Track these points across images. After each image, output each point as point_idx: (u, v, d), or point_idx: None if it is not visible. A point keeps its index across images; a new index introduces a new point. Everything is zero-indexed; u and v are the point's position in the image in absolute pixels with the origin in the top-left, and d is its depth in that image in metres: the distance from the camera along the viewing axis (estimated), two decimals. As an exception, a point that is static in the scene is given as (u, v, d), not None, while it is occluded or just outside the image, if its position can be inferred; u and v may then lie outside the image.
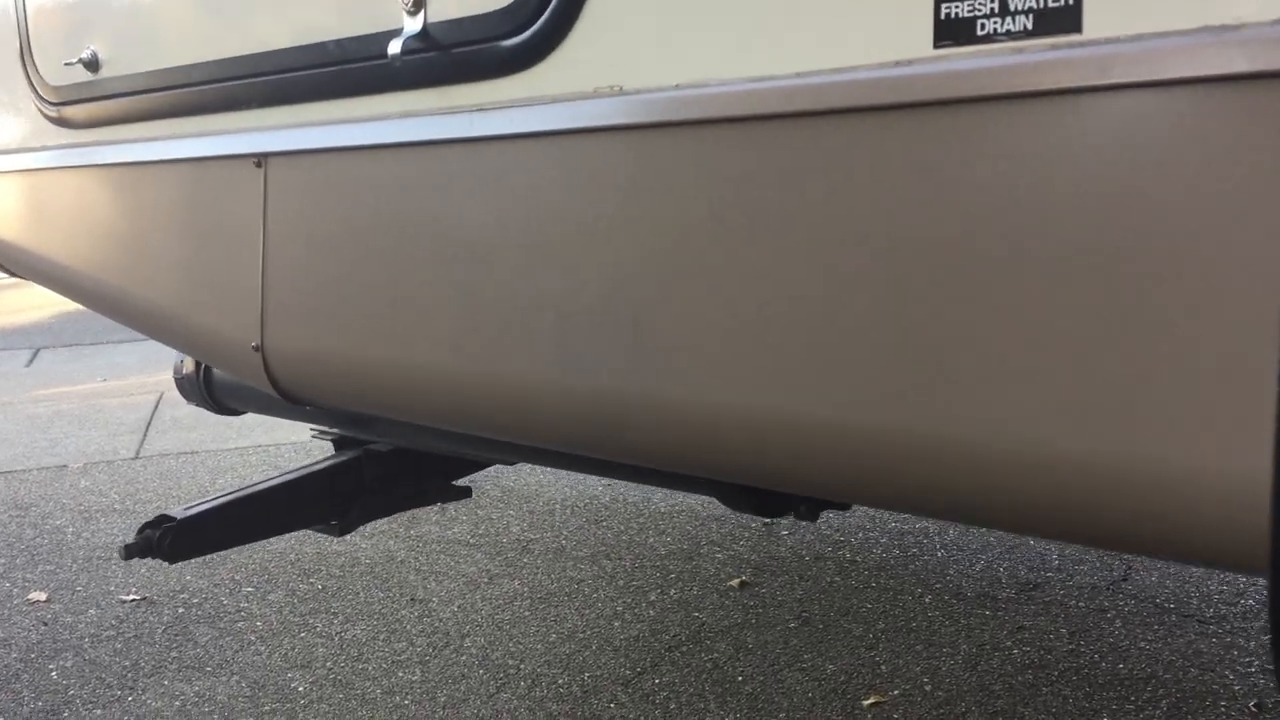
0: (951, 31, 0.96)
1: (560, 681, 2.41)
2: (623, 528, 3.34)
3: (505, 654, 2.55)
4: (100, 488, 4.00)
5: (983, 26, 0.94)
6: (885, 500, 1.15)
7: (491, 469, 3.14)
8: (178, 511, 2.12)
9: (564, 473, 3.82)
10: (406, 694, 2.40)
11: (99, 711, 2.39)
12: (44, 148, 2.13)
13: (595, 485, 3.72)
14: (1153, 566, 2.86)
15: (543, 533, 3.32)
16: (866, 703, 2.28)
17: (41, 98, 2.10)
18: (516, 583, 2.95)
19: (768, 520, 3.27)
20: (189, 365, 2.38)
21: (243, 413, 2.49)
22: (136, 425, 4.94)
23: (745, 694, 2.33)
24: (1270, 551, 0.82)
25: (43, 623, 2.84)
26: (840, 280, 1.05)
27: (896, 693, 2.31)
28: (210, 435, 4.64)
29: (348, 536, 3.03)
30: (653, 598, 2.82)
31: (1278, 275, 0.81)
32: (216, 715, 2.35)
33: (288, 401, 1.76)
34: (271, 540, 3.16)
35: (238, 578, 3.06)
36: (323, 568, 3.11)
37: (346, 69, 1.51)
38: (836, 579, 2.89)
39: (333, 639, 2.68)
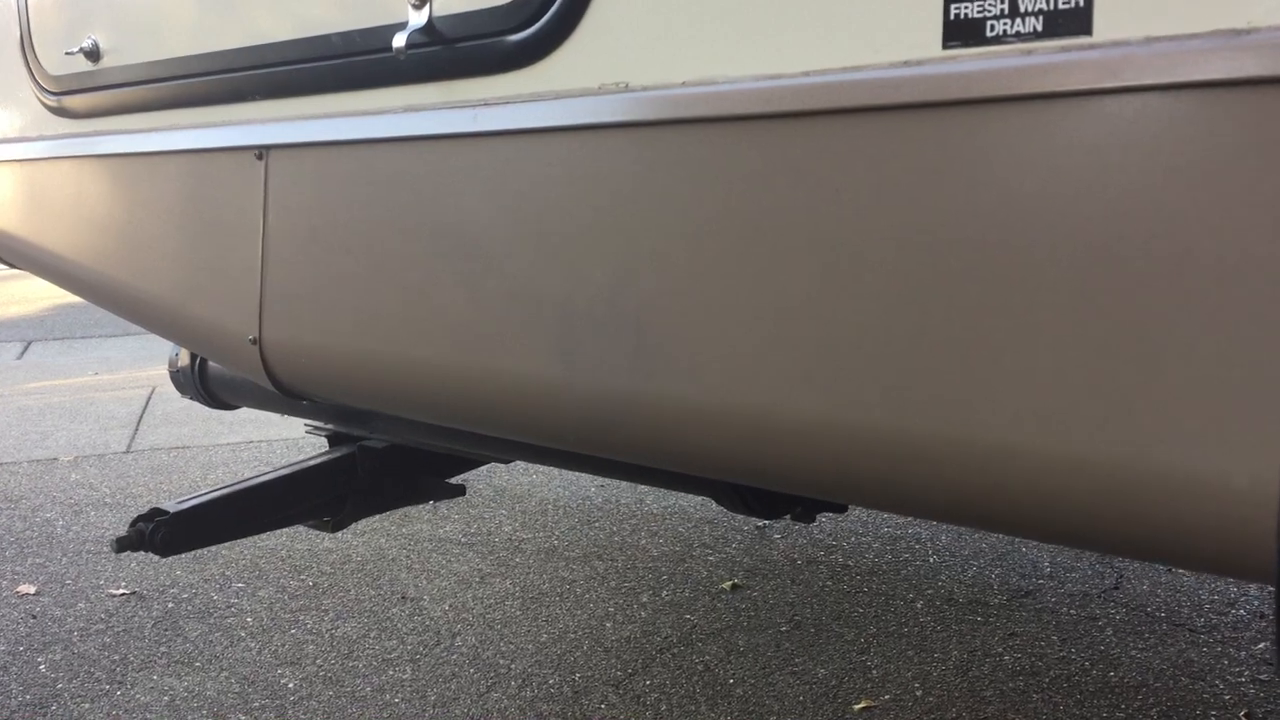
0: (961, 32, 0.96)
1: (551, 681, 2.41)
2: (615, 529, 3.33)
3: (496, 653, 2.54)
4: (91, 481, 3.98)
5: (992, 28, 0.95)
6: (886, 501, 1.15)
7: (484, 468, 3.13)
8: (171, 505, 2.11)
9: (556, 473, 3.81)
10: (397, 692, 2.39)
11: (87, 705, 2.37)
12: (43, 137, 2.12)
13: (588, 486, 3.72)
14: (1144, 575, 2.86)
15: (535, 532, 3.32)
16: (857, 707, 2.27)
17: (42, 87, 2.09)
18: (508, 582, 2.95)
19: (760, 523, 3.27)
20: (184, 358, 2.38)
21: (237, 407, 2.49)
22: (128, 419, 4.93)
23: (736, 697, 2.33)
24: (1278, 557, 0.82)
25: (31, 615, 2.83)
26: (845, 280, 1.05)
27: (887, 697, 2.31)
28: (201, 430, 4.63)
29: (339, 534, 3.02)
30: (644, 599, 2.82)
31: (1285, 280, 0.81)
32: (205, 711, 2.34)
33: (285, 396, 1.75)
34: (262, 536, 3.15)
35: (228, 573, 3.05)
36: (314, 564, 3.10)
37: (350, 62, 1.51)
38: (828, 583, 2.89)
39: (323, 636, 2.67)
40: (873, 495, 1.14)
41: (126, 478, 4.01)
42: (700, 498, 3.31)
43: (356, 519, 2.37)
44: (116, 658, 2.59)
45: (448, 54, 1.37)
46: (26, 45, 2.11)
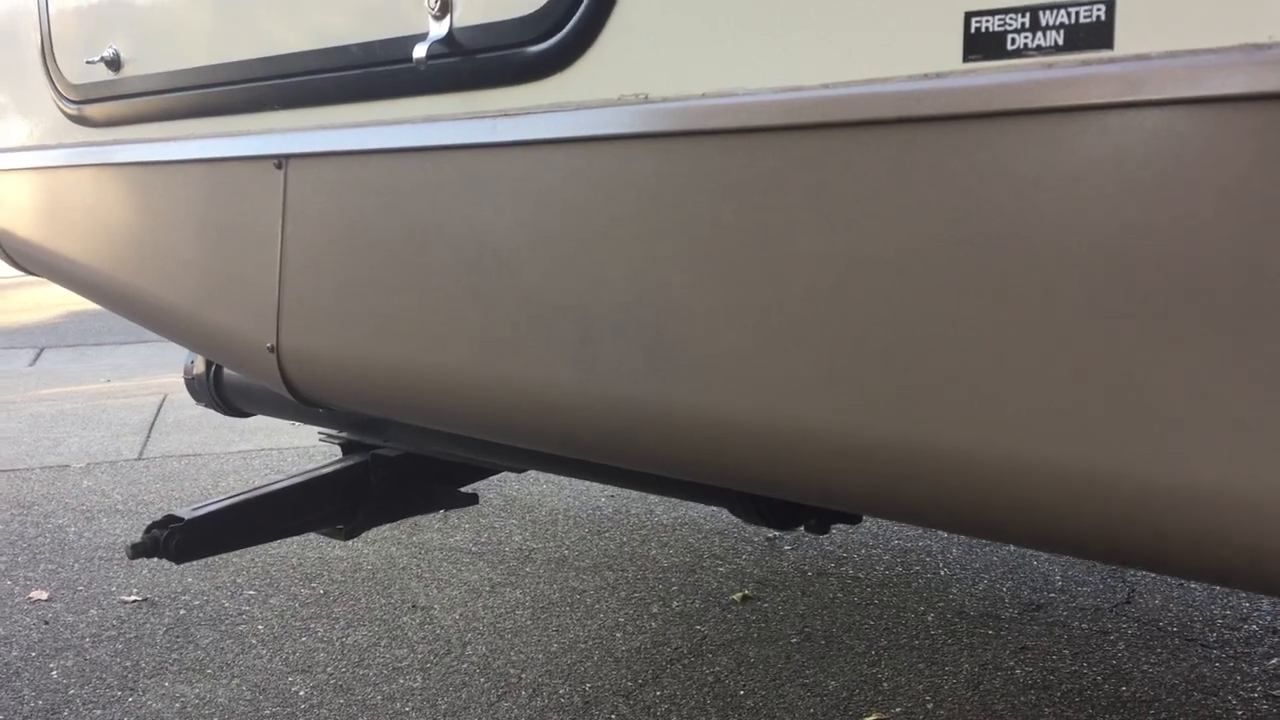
0: (981, 45, 0.97)
1: (561, 692, 2.41)
2: (625, 539, 3.33)
3: (506, 663, 2.55)
4: (103, 488, 3.99)
5: (1013, 41, 0.95)
6: (904, 513, 1.15)
7: (495, 477, 3.14)
8: (185, 512, 2.12)
9: (567, 482, 3.82)
10: (407, 700, 2.39)
11: (99, 712, 2.38)
12: (63, 145, 2.14)
13: (598, 496, 3.72)
14: (1156, 589, 2.86)
15: (545, 542, 3.32)
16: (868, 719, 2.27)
17: (62, 95, 2.11)
18: (518, 592, 2.95)
19: (770, 534, 3.27)
20: (199, 365, 2.39)
21: (252, 415, 2.49)
22: (140, 426, 4.94)
23: (747, 708, 2.32)
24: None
25: (44, 621, 2.84)
26: (863, 291, 1.06)
27: (898, 710, 2.30)
28: (213, 438, 4.64)
29: (350, 542, 3.03)
30: (655, 610, 2.82)
31: (1306, 293, 0.81)
32: (217, 718, 2.34)
33: (301, 403, 1.76)
34: (274, 544, 3.16)
35: (239, 580, 3.06)
36: (325, 572, 3.11)
37: (370, 72, 1.52)
38: (839, 595, 2.89)
39: (334, 644, 2.67)
40: (891, 506, 1.14)
41: (138, 484, 4.02)
42: (711, 508, 3.32)
43: (370, 527, 2.38)
44: (128, 664, 2.59)
45: (468, 65, 1.38)
46: (48, 53, 2.13)
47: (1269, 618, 2.68)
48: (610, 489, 3.66)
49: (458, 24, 1.39)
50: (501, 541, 3.33)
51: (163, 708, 2.39)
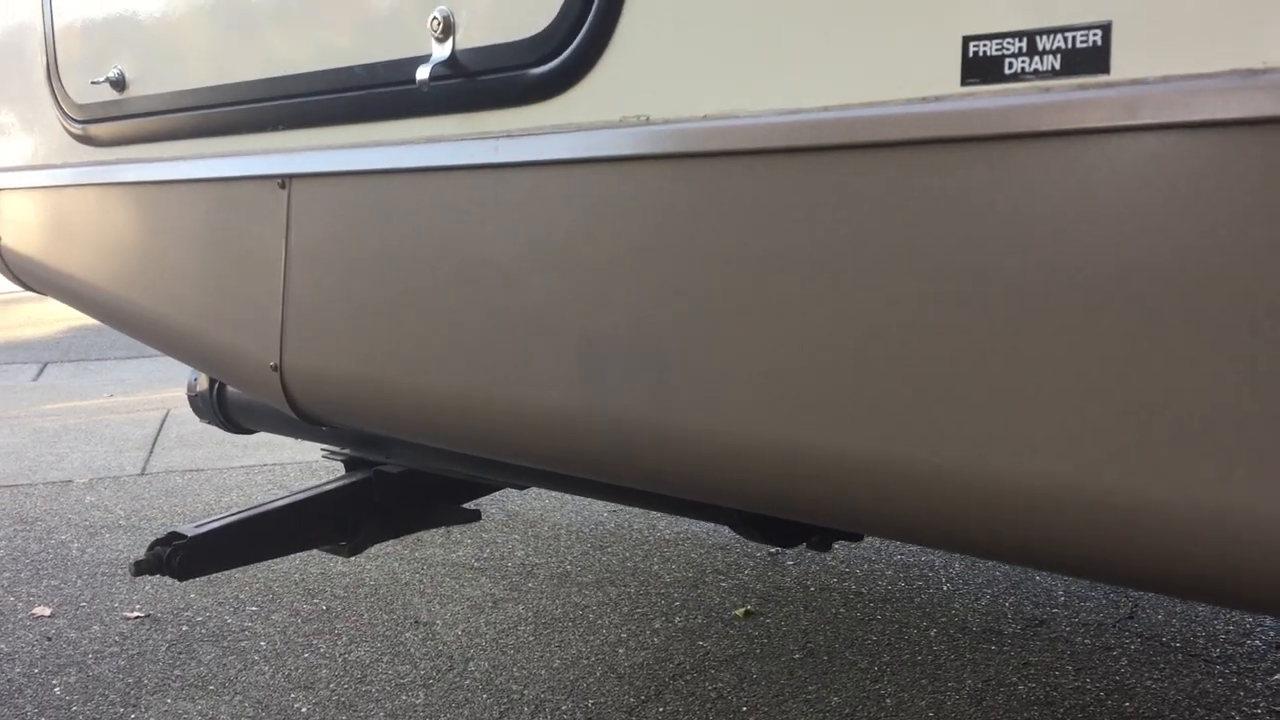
0: (979, 69, 0.98)
1: (564, 708, 2.41)
2: (627, 554, 3.33)
3: (509, 679, 2.55)
4: (105, 504, 4.00)
5: (1010, 65, 0.96)
6: (906, 533, 1.16)
7: (497, 493, 3.14)
8: (189, 529, 2.12)
9: (569, 498, 3.82)
10: (409, 717, 2.39)
11: (102, 728, 2.38)
12: (68, 165, 2.15)
13: (600, 511, 3.73)
14: (1159, 605, 2.85)
15: (547, 558, 3.32)
16: (872, 735, 2.27)
17: (67, 115, 2.12)
18: (521, 607, 2.95)
19: (773, 550, 3.27)
20: (203, 383, 2.39)
21: (255, 431, 2.50)
22: (142, 442, 4.95)
23: (750, 724, 2.32)
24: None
25: (46, 638, 2.84)
26: (862, 313, 1.06)
27: (902, 726, 2.30)
28: (216, 453, 4.65)
29: (353, 558, 3.03)
30: (657, 625, 2.82)
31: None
32: (220, 734, 2.34)
33: (304, 421, 1.77)
34: (276, 560, 3.16)
35: (241, 597, 3.06)
36: (327, 588, 3.11)
37: (373, 93, 1.53)
38: (841, 610, 2.89)
39: (336, 660, 2.67)
40: (893, 527, 1.15)
41: (141, 500, 4.03)
42: (713, 524, 3.32)
43: (372, 543, 2.38)
44: (131, 680, 2.59)
45: (470, 86, 1.39)
46: (53, 73, 2.15)
47: (1272, 633, 2.68)
48: (613, 505, 3.67)
49: (460, 46, 1.40)
50: (504, 557, 3.33)
51: (165, 725, 2.39)
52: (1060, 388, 0.95)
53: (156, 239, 1.97)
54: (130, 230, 2.03)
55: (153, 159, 1.94)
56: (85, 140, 2.10)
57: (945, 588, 3.02)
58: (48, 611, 3.01)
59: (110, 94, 1.99)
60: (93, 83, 2.00)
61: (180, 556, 2.07)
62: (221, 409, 2.39)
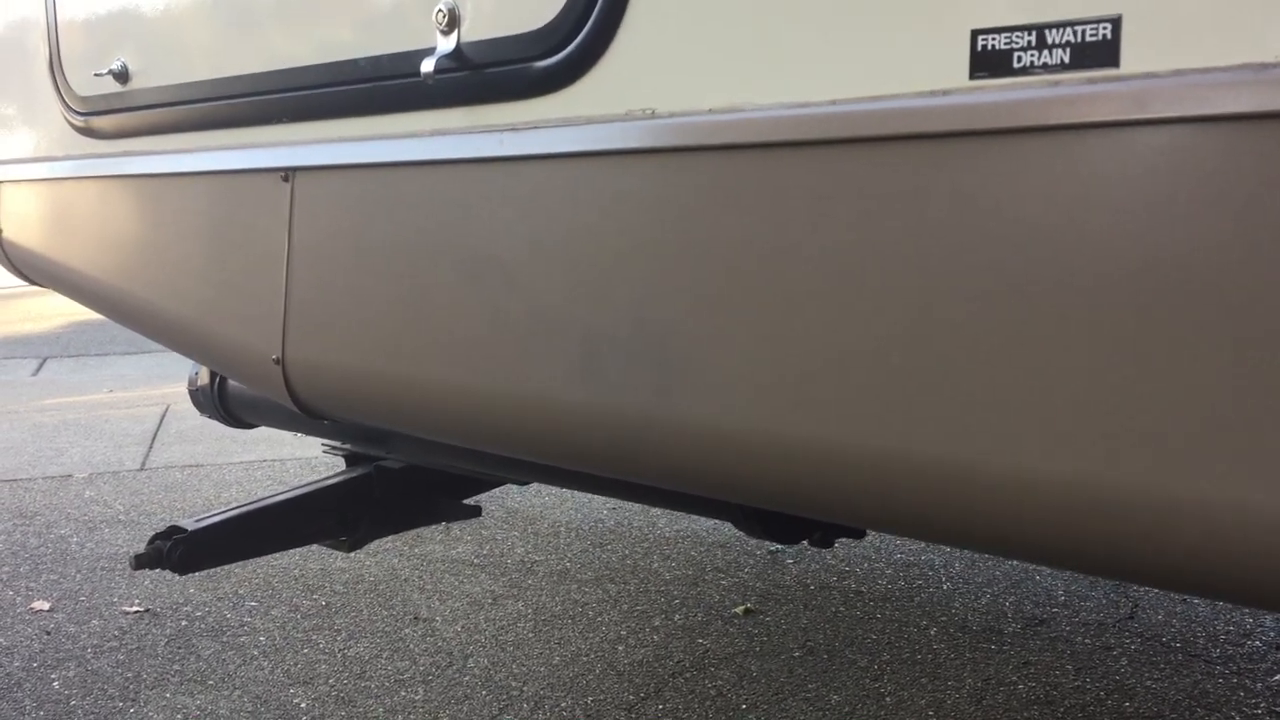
0: (988, 63, 0.97)
1: (563, 705, 2.41)
2: (627, 551, 3.33)
3: (508, 675, 2.54)
4: (105, 498, 3.99)
5: (1019, 59, 0.96)
6: (910, 527, 1.16)
7: (497, 489, 3.14)
8: (189, 523, 2.12)
9: (569, 495, 3.82)
10: (409, 713, 2.39)
11: (101, 722, 2.38)
12: (70, 157, 2.15)
13: (600, 508, 3.72)
14: (1159, 604, 2.85)
15: (547, 555, 3.32)
16: (871, 734, 2.27)
17: (70, 108, 2.12)
18: (520, 604, 2.95)
19: (773, 548, 3.27)
20: (204, 377, 2.39)
21: (256, 426, 2.50)
22: (142, 437, 4.95)
23: (750, 722, 2.32)
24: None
25: (45, 632, 2.84)
26: (868, 307, 1.06)
27: (902, 724, 2.30)
28: (215, 449, 4.65)
29: (352, 554, 3.03)
30: (657, 623, 2.82)
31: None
32: (219, 729, 2.34)
33: (306, 415, 1.77)
34: (275, 555, 3.16)
35: (241, 592, 3.06)
36: (326, 584, 3.10)
37: (377, 86, 1.53)
38: (841, 609, 2.89)
39: (335, 656, 2.67)
40: (898, 521, 1.14)
41: (140, 495, 4.03)
42: (714, 521, 3.32)
43: (373, 539, 2.38)
44: (130, 675, 2.59)
45: (475, 79, 1.39)
46: (56, 66, 2.14)
47: (1272, 633, 2.68)
48: (612, 501, 3.66)
49: (465, 39, 1.39)
50: (504, 554, 3.33)
51: (164, 719, 2.38)
52: (1067, 383, 0.95)
53: (159, 232, 1.96)
54: (133, 223, 2.03)
55: (155, 152, 1.93)
56: (88, 133, 2.09)
57: (945, 586, 3.02)
58: (47, 606, 3.01)
59: (113, 86, 1.99)
60: (95, 75, 2.00)
61: (180, 551, 2.07)
62: (222, 403, 2.39)
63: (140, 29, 1.95)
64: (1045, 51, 0.94)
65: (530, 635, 2.75)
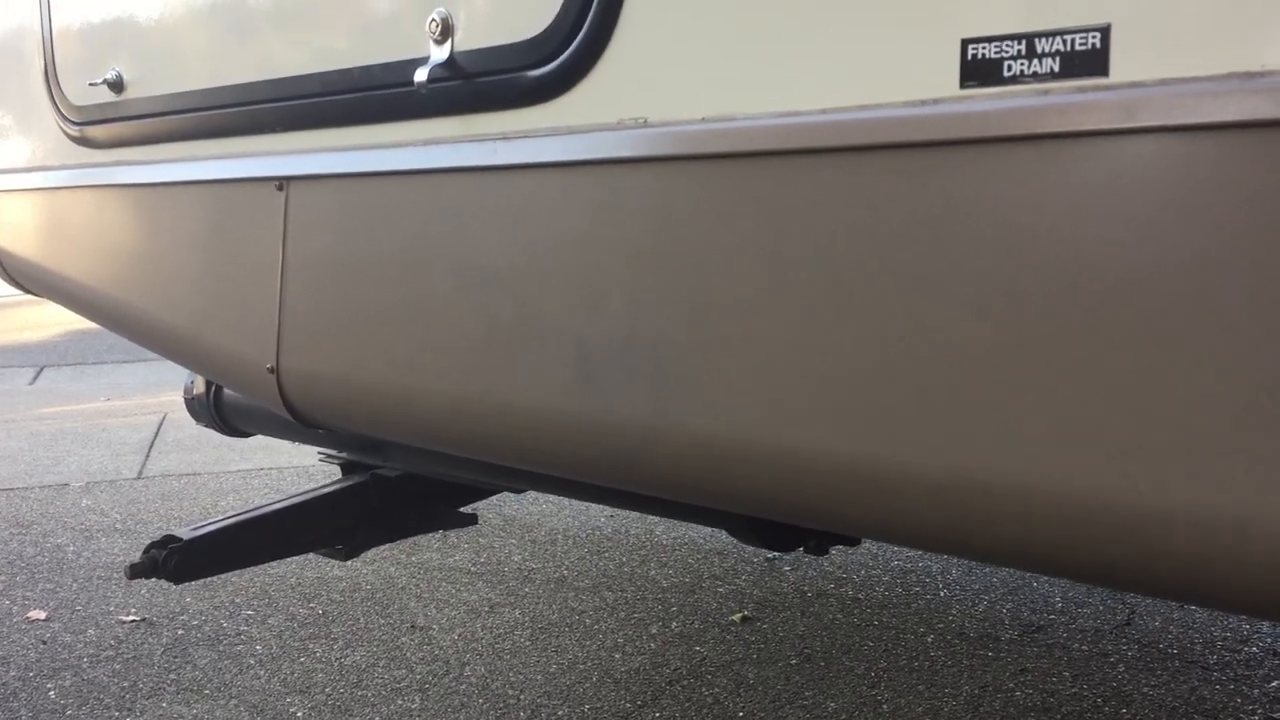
0: (978, 72, 0.97)
1: (560, 713, 2.40)
2: (624, 559, 3.33)
3: (505, 684, 2.54)
4: (102, 507, 3.99)
5: (1009, 68, 0.96)
6: (905, 537, 1.16)
7: (494, 497, 3.13)
8: (184, 532, 2.12)
9: (566, 502, 3.81)
10: (406, 721, 2.38)
11: (96, 732, 2.37)
12: (65, 166, 2.15)
13: (597, 516, 3.72)
14: (1156, 611, 2.85)
15: (544, 562, 3.31)
16: (868, 741, 2.27)
17: (65, 117, 2.12)
18: (517, 612, 2.94)
19: (770, 555, 3.27)
20: (199, 386, 2.39)
21: (252, 435, 2.50)
22: (139, 445, 4.94)
23: (747, 730, 2.32)
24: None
25: (41, 641, 2.83)
26: (858, 316, 1.06)
27: (899, 732, 2.30)
28: (212, 457, 4.64)
29: (349, 562, 3.03)
30: (654, 630, 2.82)
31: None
32: (215, 738, 2.33)
33: (301, 424, 1.77)
34: (272, 564, 3.15)
35: (237, 600, 3.05)
36: (323, 592, 3.10)
37: (371, 95, 1.53)
38: (839, 616, 2.88)
39: (332, 664, 2.66)
40: (894, 530, 1.14)
41: (137, 504, 4.02)
42: (710, 529, 3.32)
43: (369, 547, 2.38)
44: (126, 684, 2.59)
45: (469, 88, 1.39)
46: (50, 75, 2.14)
47: (1269, 640, 2.67)
48: (609, 509, 3.66)
49: (459, 48, 1.40)
50: (500, 561, 3.33)
51: (160, 729, 2.38)
52: (1058, 391, 0.95)
53: (154, 241, 1.96)
54: (128, 232, 2.03)
55: (150, 161, 1.94)
56: (83, 142, 2.09)
57: (942, 593, 3.02)
58: (43, 615, 3.00)
59: (108, 96, 1.99)
60: (90, 84, 2.00)
61: (176, 560, 2.07)
62: (218, 412, 2.38)
63: (135, 38, 1.95)
64: (1035, 60, 0.94)
65: (527, 643, 2.75)
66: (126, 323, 2.08)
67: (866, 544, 3.26)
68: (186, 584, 2.77)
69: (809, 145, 1.08)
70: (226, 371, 1.87)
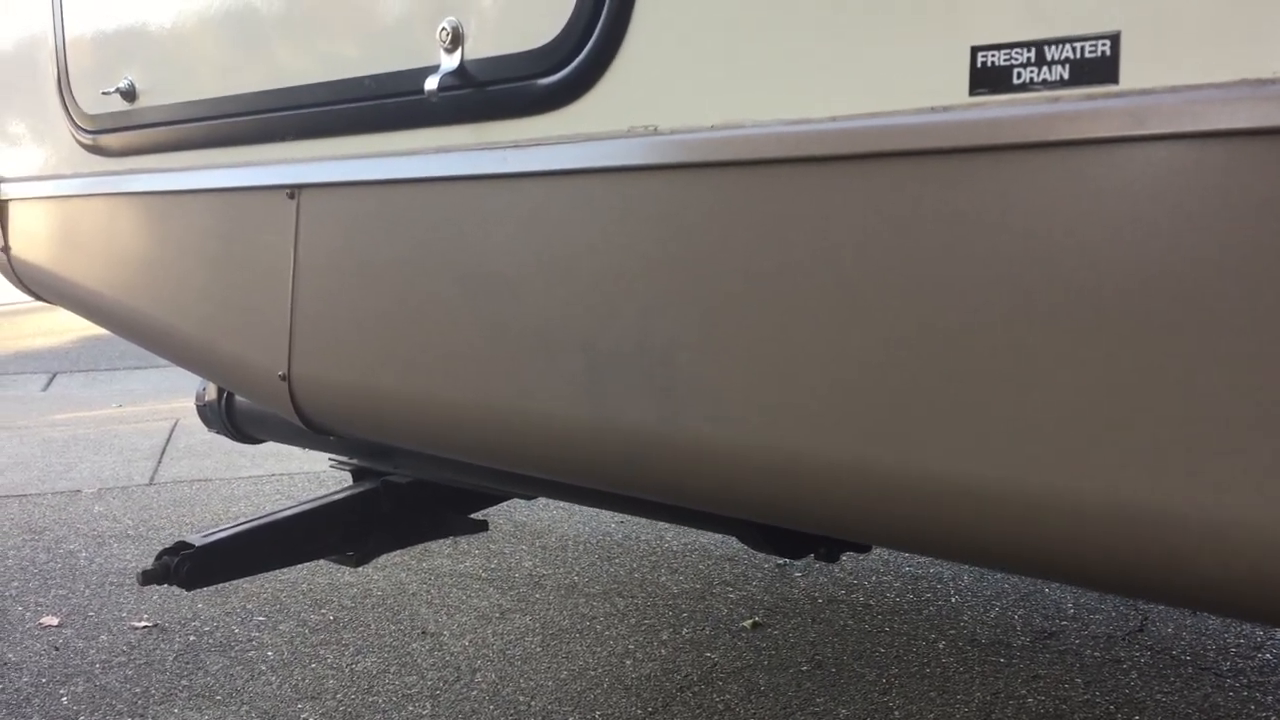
0: (988, 79, 0.97)
1: (571, 719, 2.40)
2: (635, 565, 3.33)
3: (516, 690, 2.54)
4: (114, 513, 4.00)
5: (1019, 75, 0.96)
6: (915, 544, 1.16)
7: (504, 503, 3.14)
8: (196, 538, 2.13)
9: (576, 509, 3.81)
10: (417, 728, 2.39)
11: (109, 738, 2.38)
12: (78, 175, 2.16)
13: (608, 522, 3.72)
14: (1169, 617, 2.84)
15: (555, 568, 3.31)
16: (880, 748, 2.26)
17: (77, 126, 2.13)
18: (528, 618, 2.94)
19: (781, 561, 3.26)
20: (211, 392, 2.40)
21: (263, 441, 2.50)
22: (151, 451, 4.96)
23: (757, 736, 2.31)
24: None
25: (54, 647, 2.84)
26: (869, 323, 1.06)
27: (910, 739, 2.29)
28: (224, 463, 4.65)
29: (360, 568, 3.03)
30: (664, 637, 2.81)
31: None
32: (226, 744, 2.34)
33: (312, 431, 1.77)
34: (283, 570, 3.15)
35: (249, 606, 3.06)
36: (334, 599, 3.10)
37: (382, 103, 1.53)
38: (850, 622, 2.88)
39: (343, 670, 2.67)
40: (902, 537, 1.14)
41: (149, 510, 4.03)
42: (721, 535, 3.31)
43: (380, 553, 2.38)
44: (138, 690, 2.59)
45: (479, 96, 1.40)
46: (63, 84, 2.16)
47: (1283, 646, 2.66)
48: (620, 515, 3.66)
49: (469, 56, 1.40)
50: (511, 568, 3.33)
51: (172, 735, 2.39)
52: (1069, 398, 0.94)
53: (166, 249, 1.97)
54: (140, 240, 2.04)
55: (162, 169, 1.95)
56: (95, 150, 2.10)
57: (954, 600, 3.01)
58: (55, 621, 3.01)
59: (120, 105, 2.00)
60: (103, 93, 2.01)
61: (188, 566, 2.07)
62: (230, 419, 2.39)
63: (147, 48, 1.96)
64: (1045, 68, 0.94)
65: (538, 649, 2.75)
66: (139, 329, 2.09)
67: (877, 550, 3.25)
68: (198, 590, 2.78)
69: (818, 153, 1.08)
70: (238, 379, 1.87)
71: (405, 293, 1.51)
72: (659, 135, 1.22)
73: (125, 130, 2.01)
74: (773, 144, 1.12)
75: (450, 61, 1.41)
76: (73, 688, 2.62)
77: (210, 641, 2.85)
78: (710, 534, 3.44)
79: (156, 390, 6.61)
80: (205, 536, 2.14)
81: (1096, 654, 2.65)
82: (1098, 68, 0.91)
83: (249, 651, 2.79)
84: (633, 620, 2.92)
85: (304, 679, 2.63)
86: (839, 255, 1.08)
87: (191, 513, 3.98)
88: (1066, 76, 0.93)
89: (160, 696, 2.56)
